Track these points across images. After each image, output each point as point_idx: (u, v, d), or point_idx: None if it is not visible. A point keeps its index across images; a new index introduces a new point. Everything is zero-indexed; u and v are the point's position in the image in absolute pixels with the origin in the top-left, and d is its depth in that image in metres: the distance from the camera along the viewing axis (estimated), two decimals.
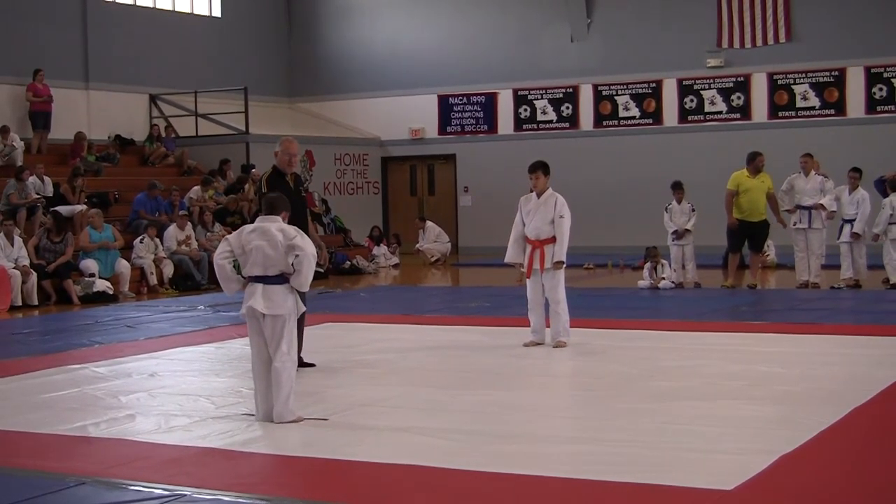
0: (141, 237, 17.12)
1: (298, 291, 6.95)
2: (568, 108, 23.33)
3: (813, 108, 21.38)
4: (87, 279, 15.73)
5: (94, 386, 8.38)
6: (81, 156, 19.84)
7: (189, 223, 18.01)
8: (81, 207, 17.36)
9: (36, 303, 15.07)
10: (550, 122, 23.50)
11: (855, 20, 20.92)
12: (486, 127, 24.08)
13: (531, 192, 10.02)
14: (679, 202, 15.79)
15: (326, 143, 23.52)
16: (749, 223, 15.01)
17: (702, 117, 22.23)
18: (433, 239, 22.05)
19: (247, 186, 19.57)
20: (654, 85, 22.58)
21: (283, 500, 5.27)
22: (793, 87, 21.52)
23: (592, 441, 6.22)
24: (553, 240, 9.80)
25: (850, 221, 15.00)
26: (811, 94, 21.37)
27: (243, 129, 22.01)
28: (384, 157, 25.23)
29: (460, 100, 24.25)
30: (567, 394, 8.17)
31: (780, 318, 11.73)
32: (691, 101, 22.30)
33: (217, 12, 24.40)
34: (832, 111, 21.24)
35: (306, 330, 8.86)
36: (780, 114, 21.64)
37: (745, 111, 21.90)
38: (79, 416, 7.25)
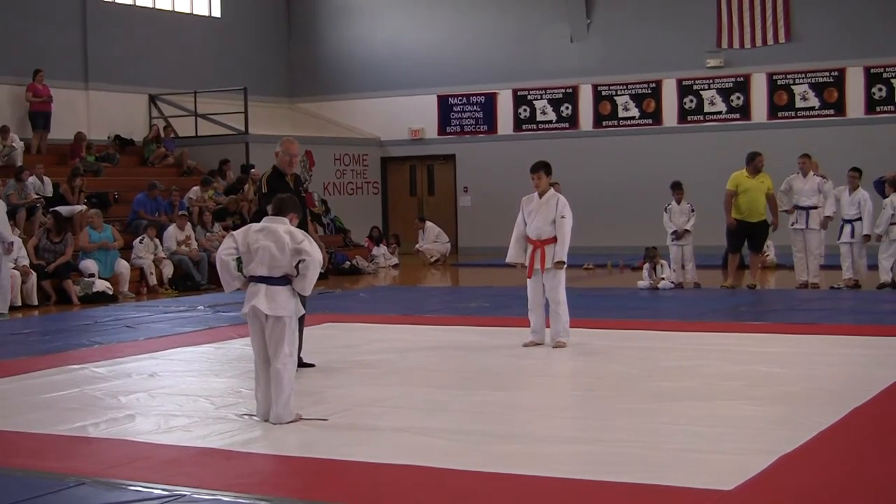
0: (140, 237, 17.12)
1: (300, 294, 6.95)
2: (567, 108, 23.33)
3: (812, 108, 21.38)
4: (86, 279, 15.73)
5: (94, 386, 8.38)
6: (81, 156, 19.84)
7: (189, 223, 18.01)
8: (81, 208, 17.35)
9: (36, 303, 15.07)
10: (550, 122, 23.50)
11: (854, 20, 20.92)
12: (485, 127, 24.08)
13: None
14: (678, 202, 15.79)
15: (326, 144, 23.52)
16: (748, 223, 15.01)
17: (701, 117, 22.24)
18: (433, 239, 22.05)
19: (246, 186, 19.57)
20: (653, 85, 22.58)
21: (283, 501, 5.27)
22: (792, 87, 21.53)
23: (592, 441, 6.22)
24: (554, 240, 9.81)
25: (851, 222, 14.99)
26: (811, 94, 21.38)
27: (243, 129, 22.01)
28: (384, 157, 25.24)
29: (460, 100, 24.25)
30: (567, 394, 8.17)
31: (780, 319, 11.73)
32: (691, 101, 22.30)
33: (217, 12, 24.40)
34: (832, 111, 21.25)
35: (306, 330, 8.86)
36: (779, 114, 21.65)
37: (744, 111, 21.90)
38: (78, 416, 7.25)
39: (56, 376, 8.89)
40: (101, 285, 15.75)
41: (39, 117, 19.83)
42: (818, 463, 5.73)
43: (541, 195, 9.92)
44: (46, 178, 17.89)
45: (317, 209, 21.25)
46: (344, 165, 24.25)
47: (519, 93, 23.72)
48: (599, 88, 23.02)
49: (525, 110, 23.72)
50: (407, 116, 24.61)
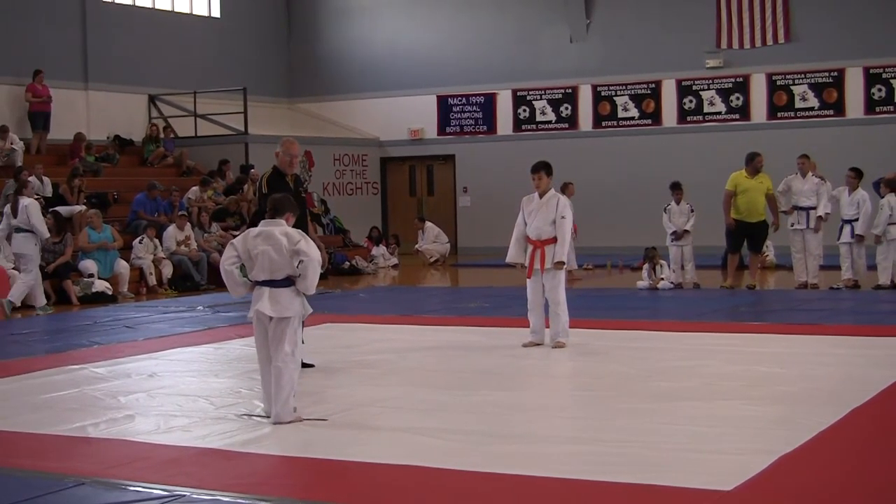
0: (140, 237, 17.12)
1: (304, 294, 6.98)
2: (567, 108, 23.33)
3: (812, 108, 21.38)
4: (86, 280, 15.73)
5: (94, 386, 8.38)
6: (80, 156, 19.84)
7: (188, 224, 18.01)
8: (80, 208, 17.35)
9: (35, 304, 15.05)
10: (549, 122, 23.50)
11: (854, 21, 20.92)
12: (485, 127, 24.08)
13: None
14: (678, 203, 15.79)
15: (326, 144, 23.52)
16: (747, 224, 15.02)
17: (701, 118, 22.24)
18: (432, 239, 22.04)
19: (246, 187, 19.57)
20: (653, 85, 22.59)
21: (283, 501, 5.27)
22: (792, 87, 21.53)
23: (592, 441, 6.22)
24: (554, 240, 9.80)
25: (850, 222, 14.99)
26: (810, 94, 21.38)
27: (242, 129, 22.02)
28: (383, 157, 25.24)
29: (459, 100, 24.26)
30: (566, 394, 8.17)
31: (780, 319, 11.73)
32: (690, 101, 22.31)
33: (216, 12, 24.40)
34: (831, 112, 21.25)
35: (306, 330, 8.86)
36: (779, 114, 21.65)
37: (744, 112, 21.91)
38: (78, 416, 7.25)
39: (56, 376, 8.89)
40: (101, 285, 15.76)
41: (39, 117, 19.82)
42: (818, 463, 5.74)
43: (541, 195, 9.92)
44: (46, 179, 17.89)
45: (316, 209, 21.26)
46: (343, 166, 24.25)
47: (518, 93, 23.72)
48: (599, 89, 23.02)
49: (524, 110, 23.72)
50: (406, 117, 24.62)
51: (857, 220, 14.89)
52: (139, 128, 22.53)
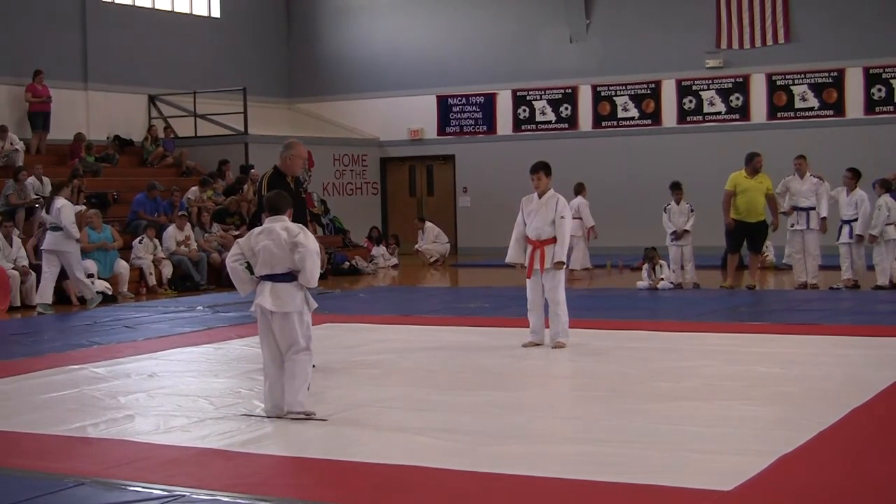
0: (140, 238, 17.12)
1: (308, 288, 7.00)
2: (567, 108, 23.34)
3: (812, 108, 21.39)
4: (85, 280, 15.70)
5: (93, 386, 8.38)
6: (80, 156, 19.84)
7: (188, 224, 18.02)
8: (80, 208, 17.33)
9: (35, 303, 15.05)
10: (549, 122, 23.51)
11: (854, 21, 20.93)
12: (484, 127, 24.09)
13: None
14: (678, 203, 15.79)
15: (325, 144, 23.52)
16: (746, 224, 15.02)
17: (701, 118, 22.24)
18: (432, 239, 22.05)
19: (246, 187, 19.56)
20: (652, 86, 22.59)
21: (283, 501, 5.27)
22: (791, 87, 21.53)
23: (591, 442, 6.22)
24: (554, 240, 9.80)
25: (849, 222, 15.00)
26: (810, 94, 21.38)
27: (242, 129, 22.02)
28: (383, 157, 25.25)
29: (459, 100, 24.26)
30: (566, 394, 8.17)
31: (780, 319, 11.73)
32: (690, 101, 22.31)
33: (216, 13, 24.40)
34: (831, 112, 21.25)
35: None
36: (778, 114, 21.65)
37: (743, 112, 21.91)
38: (78, 416, 7.25)
39: (55, 377, 8.89)
40: (101, 285, 15.74)
41: (38, 117, 19.83)
42: (818, 463, 5.74)
43: (540, 195, 9.92)
44: (46, 179, 17.88)
45: (316, 209, 21.25)
46: (343, 166, 24.25)
47: (518, 93, 23.72)
48: (599, 89, 23.02)
49: (524, 111, 23.73)
50: (406, 117, 24.62)
51: (855, 220, 14.89)
52: (139, 128, 22.53)
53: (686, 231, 15.60)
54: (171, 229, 17.68)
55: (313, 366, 8.83)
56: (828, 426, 6.42)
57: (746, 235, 15.20)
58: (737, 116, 21.94)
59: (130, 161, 21.56)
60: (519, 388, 8.22)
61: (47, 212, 14.69)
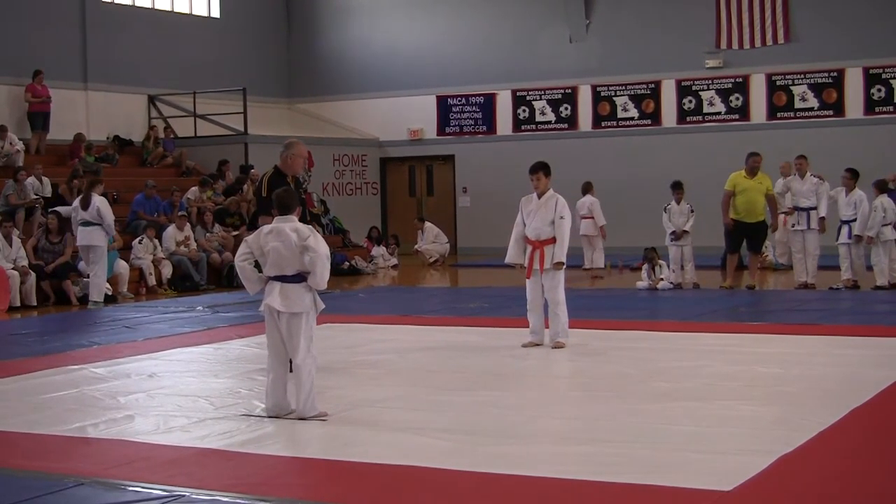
0: (140, 238, 17.12)
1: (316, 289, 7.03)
2: (566, 108, 23.34)
3: (811, 109, 21.38)
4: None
5: (93, 387, 8.38)
6: (80, 156, 19.84)
7: (188, 224, 18.01)
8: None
9: (35, 303, 15.07)
10: (549, 122, 23.51)
11: (853, 21, 20.93)
12: (484, 128, 24.09)
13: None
14: (678, 202, 15.79)
15: (325, 144, 23.51)
16: (746, 224, 15.02)
17: (700, 118, 22.24)
18: (432, 240, 22.05)
19: (246, 187, 19.57)
20: (652, 86, 22.59)
21: (283, 501, 5.27)
22: (791, 87, 21.53)
23: (591, 442, 6.22)
24: (553, 240, 9.80)
25: (848, 223, 15.00)
26: (810, 94, 21.38)
27: (242, 129, 22.02)
28: (383, 157, 25.24)
29: (459, 100, 24.26)
30: (566, 394, 8.16)
31: (779, 319, 11.73)
32: (690, 101, 22.31)
33: (216, 13, 24.40)
34: (831, 112, 21.25)
35: None
36: (778, 115, 21.65)
37: (743, 112, 21.91)
38: (77, 416, 7.24)
39: (55, 377, 8.89)
40: None
41: (38, 118, 19.83)
42: (817, 463, 5.74)
43: (540, 196, 9.92)
44: (45, 179, 17.88)
45: (316, 209, 21.25)
46: (343, 166, 24.25)
47: (518, 93, 23.72)
48: (598, 89, 23.02)
49: (524, 111, 23.72)
50: (406, 117, 24.62)
51: (854, 220, 14.89)
52: (139, 128, 22.54)
53: (685, 231, 15.59)
54: (171, 229, 17.68)
55: None
56: (828, 426, 6.42)
57: (746, 236, 15.20)
58: (736, 116, 21.94)
59: (130, 161, 21.56)
60: (519, 388, 8.22)
61: (84, 209, 14.95)
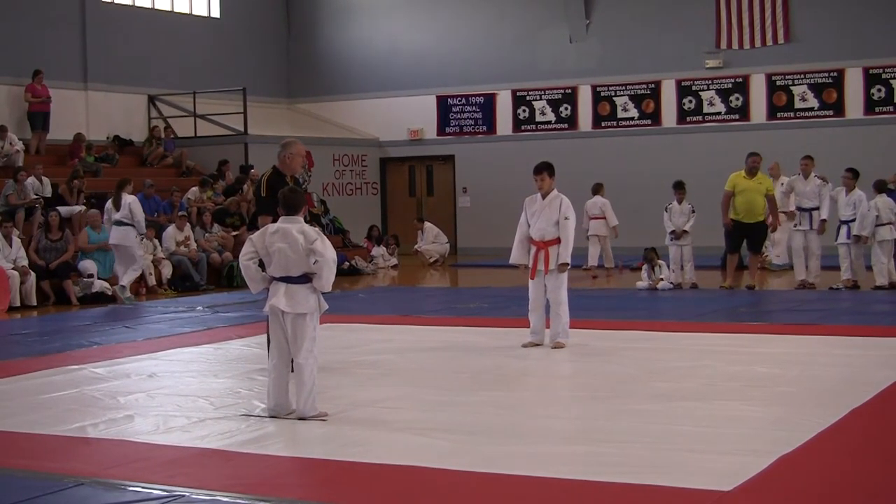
0: (140, 238, 17.09)
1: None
2: (566, 108, 23.33)
3: (811, 109, 21.38)
4: (85, 280, 15.73)
5: (93, 387, 8.38)
6: (80, 157, 19.83)
7: (188, 224, 18.01)
8: (80, 208, 17.36)
9: (34, 303, 15.07)
10: (549, 122, 23.50)
11: (853, 21, 20.92)
12: (484, 128, 24.08)
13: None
14: (680, 202, 15.80)
15: (325, 144, 23.51)
16: (745, 224, 15.02)
17: (700, 118, 22.23)
18: (432, 240, 22.04)
19: (245, 187, 19.57)
20: (652, 86, 22.58)
21: (282, 501, 5.27)
22: (791, 88, 21.52)
23: (591, 442, 6.22)
24: (557, 241, 9.78)
25: (848, 223, 15.00)
26: (810, 95, 21.37)
27: (242, 129, 22.01)
28: (383, 157, 25.24)
29: (459, 101, 24.25)
30: (566, 395, 8.17)
31: (779, 319, 11.74)
32: (690, 101, 22.30)
33: (216, 13, 24.40)
34: (831, 112, 21.24)
35: None
36: (778, 115, 21.64)
37: (743, 112, 21.90)
38: (77, 416, 7.25)
39: (55, 377, 8.89)
40: (100, 286, 15.75)
41: (38, 118, 19.82)
42: (817, 463, 5.74)
43: (544, 196, 9.90)
44: (45, 179, 17.88)
45: (316, 209, 21.24)
46: (343, 166, 24.25)
47: (518, 93, 23.71)
48: (598, 89, 23.02)
49: (524, 111, 23.72)
50: (406, 117, 24.61)
51: (854, 220, 14.89)
52: (139, 128, 22.53)
53: (685, 231, 15.59)
54: (171, 229, 17.68)
55: None
56: (828, 426, 6.42)
57: (745, 236, 15.20)
58: (736, 117, 21.93)
59: (130, 161, 21.54)
60: (519, 388, 8.22)
61: (116, 208, 15.24)
